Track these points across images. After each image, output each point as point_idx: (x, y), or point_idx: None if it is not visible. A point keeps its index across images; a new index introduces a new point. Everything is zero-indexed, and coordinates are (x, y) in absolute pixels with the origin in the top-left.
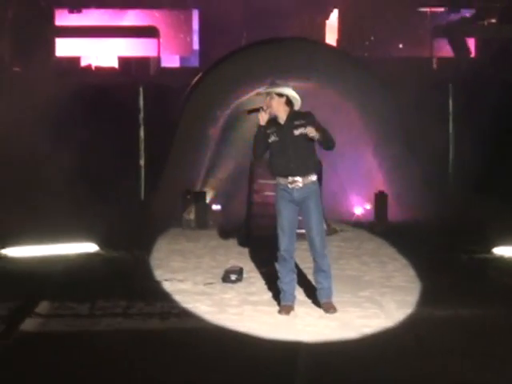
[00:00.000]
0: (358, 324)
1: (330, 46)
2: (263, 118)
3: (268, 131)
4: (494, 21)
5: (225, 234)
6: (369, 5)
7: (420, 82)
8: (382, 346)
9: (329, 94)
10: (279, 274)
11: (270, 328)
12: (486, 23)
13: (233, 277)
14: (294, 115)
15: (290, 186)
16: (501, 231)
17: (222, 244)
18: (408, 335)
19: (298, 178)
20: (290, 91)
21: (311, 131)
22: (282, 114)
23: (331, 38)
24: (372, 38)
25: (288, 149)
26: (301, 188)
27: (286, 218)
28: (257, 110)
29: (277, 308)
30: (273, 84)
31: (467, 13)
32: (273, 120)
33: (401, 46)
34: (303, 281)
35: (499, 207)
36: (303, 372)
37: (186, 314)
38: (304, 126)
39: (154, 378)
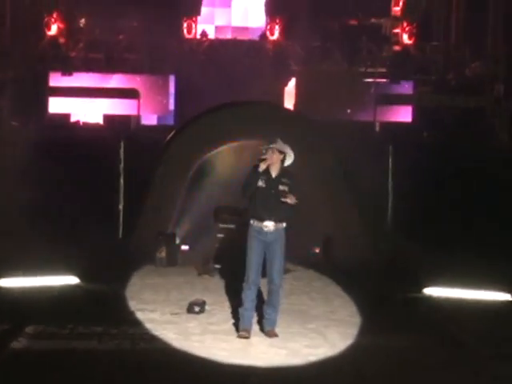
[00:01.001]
0: (304, 352)
1: (287, 110)
2: (262, 166)
3: (259, 176)
4: (428, 91)
5: (191, 271)
6: (322, 75)
7: (364, 142)
8: (326, 372)
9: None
10: (243, 302)
11: (227, 354)
12: (422, 93)
13: (196, 308)
14: (283, 172)
15: (264, 229)
16: (431, 274)
17: (189, 280)
18: (349, 363)
19: (272, 223)
20: (289, 151)
21: (292, 199)
22: (275, 168)
23: (289, 102)
24: (324, 104)
25: (271, 198)
26: (272, 232)
27: (254, 255)
28: (262, 160)
29: (234, 337)
30: (277, 142)
31: (406, 84)
32: (266, 170)
33: (349, 110)
34: (258, 313)
35: (430, 253)
36: None
37: (154, 340)
38: (288, 185)
39: None
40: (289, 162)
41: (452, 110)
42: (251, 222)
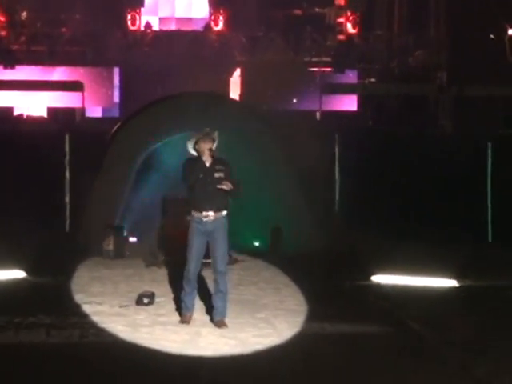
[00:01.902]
0: (253, 342)
1: (232, 100)
2: (206, 157)
3: (197, 167)
4: (373, 80)
5: (139, 263)
6: (267, 64)
7: (308, 130)
8: (274, 361)
9: (233, 141)
10: (183, 290)
11: (177, 345)
12: (366, 82)
13: (145, 300)
14: (216, 160)
15: (204, 219)
16: (378, 262)
17: (137, 272)
18: (297, 351)
19: (211, 213)
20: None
21: (228, 185)
22: (208, 157)
23: (235, 92)
24: (269, 93)
25: (208, 187)
26: (212, 221)
27: (195, 246)
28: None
29: (183, 328)
30: (209, 132)
31: (350, 73)
32: (200, 160)
33: (295, 100)
34: (207, 304)
35: (378, 241)
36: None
37: (103, 333)
38: (223, 171)
39: None
40: (214, 146)
41: (396, 98)
42: (192, 213)
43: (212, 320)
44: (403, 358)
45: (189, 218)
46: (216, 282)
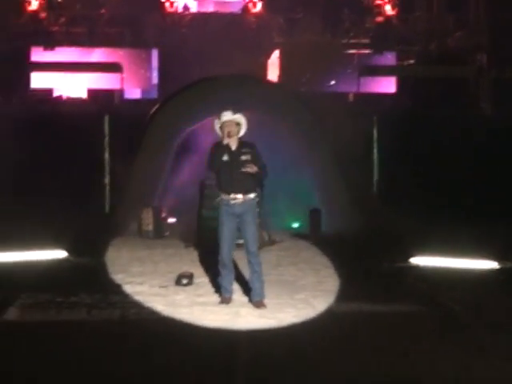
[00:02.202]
0: (293, 322)
1: (269, 82)
2: (227, 140)
3: (221, 151)
4: (412, 62)
5: (178, 243)
6: (305, 46)
7: (346, 112)
8: (312, 338)
9: (270, 124)
10: (220, 273)
11: (216, 324)
12: (405, 64)
13: (184, 281)
14: (241, 143)
15: (232, 201)
16: (417, 243)
17: (176, 252)
18: (334, 330)
19: (240, 195)
20: (243, 120)
21: (252, 168)
22: (234, 141)
23: (273, 74)
24: (307, 76)
25: (234, 170)
26: (241, 204)
27: (227, 229)
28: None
29: (222, 308)
30: (234, 114)
31: (389, 55)
32: (225, 144)
33: (332, 82)
34: (245, 285)
35: (416, 222)
36: (245, 357)
37: (143, 312)
38: (250, 154)
39: (118, 366)
40: (243, 132)
41: (435, 80)
42: (221, 196)
43: (250, 301)
44: (441, 339)
45: (218, 200)
46: (250, 263)
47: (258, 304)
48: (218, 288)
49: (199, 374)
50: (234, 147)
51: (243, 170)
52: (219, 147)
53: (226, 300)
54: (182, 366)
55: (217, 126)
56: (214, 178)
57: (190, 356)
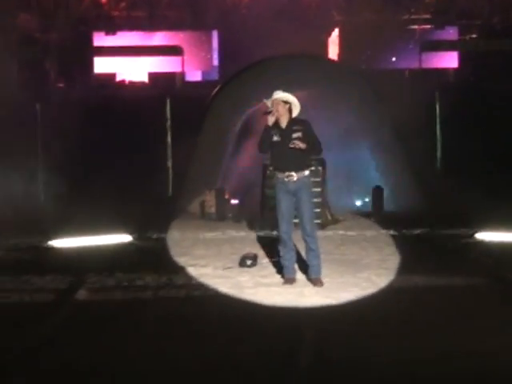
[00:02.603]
0: (357, 301)
1: (332, 60)
2: (271, 120)
3: (272, 132)
4: (474, 36)
5: (242, 225)
6: (365, 24)
7: (408, 88)
8: (376, 312)
9: (331, 102)
10: (281, 253)
11: (281, 305)
12: (467, 38)
13: (248, 262)
14: (293, 121)
15: (286, 179)
16: (481, 219)
17: (240, 234)
18: (399, 305)
19: (293, 173)
20: (293, 99)
21: (299, 144)
22: (284, 119)
23: (333, 52)
24: (368, 53)
25: (286, 148)
26: (295, 181)
27: (284, 206)
28: (269, 113)
29: (286, 289)
30: (277, 93)
31: (451, 30)
32: (276, 123)
33: (394, 59)
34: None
35: (481, 198)
36: (311, 334)
37: (207, 293)
38: (301, 131)
39: (184, 347)
40: (296, 111)
41: (498, 54)
42: (276, 174)
43: (309, 279)
44: (505, 313)
45: (276, 175)
46: (305, 241)
47: (316, 281)
48: (281, 269)
49: (265, 353)
50: (284, 125)
51: (291, 146)
52: (269, 128)
53: (289, 280)
54: (246, 345)
55: (269, 105)
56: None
57: (254, 335)
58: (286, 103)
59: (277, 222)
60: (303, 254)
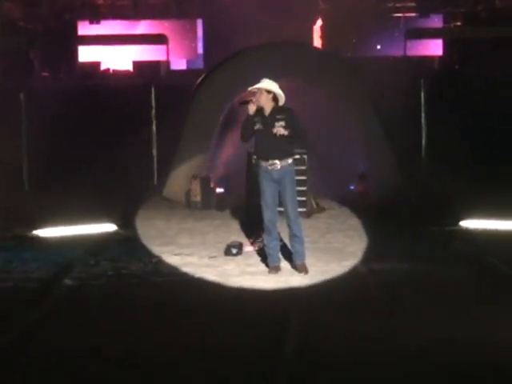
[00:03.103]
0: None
1: (316, 48)
2: (252, 109)
3: (254, 120)
4: (459, 24)
5: (227, 213)
6: (350, 11)
7: (391, 76)
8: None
9: (316, 90)
10: (265, 242)
11: (267, 292)
12: (452, 26)
13: (234, 250)
14: (277, 110)
15: (269, 167)
16: (466, 207)
17: (225, 222)
18: (386, 294)
19: (277, 161)
20: (276, 89)
21: (280, 130)
22: (268, 108)
23: (318, 41)
24: (353, 41)
25: (270, 137)
26: (278, 169)
27: (268, 194)
28: (247, 102)
29: (272, 277)
30: (263, 81)
31: (436, 17)
32: (259, 111)
33: (378, 46)
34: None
35: (465, 187)
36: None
37: (193, 283)
38: (284, 119)
39: (170, 337)
40: (282, 101)
41: (484, 41)
42: (260, 163)
43: (294, 266)
44: (490, 301)
45: (260, 164)
46: (290, 227)
47: (301, 267)
48: (266, 257)
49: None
50: (267, 114)
51: (273, 131)
52: (251, 117)
53: (274, 268)
54: (234, 332)
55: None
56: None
57: (240, 321)
58: (269, 92)
59: (261, 211)
60: (288, 242)
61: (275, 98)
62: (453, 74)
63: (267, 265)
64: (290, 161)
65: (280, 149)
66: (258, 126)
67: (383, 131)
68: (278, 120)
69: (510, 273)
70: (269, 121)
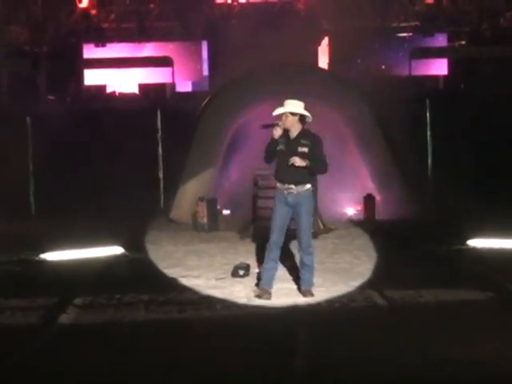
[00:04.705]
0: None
1: (322, 69)
2: (277, 132)
3: (279, 140)
4: (463, 43)
5: (233, 235)
6: (355, 32)
7: (398, 96)
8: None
9: (321, 111)
10: (264, 261)
11: (275, 314)
12: (456, 45)
13: (241, 272)
14: (303, 134)
15: (285, 191)
16: (474, 226)
17: (232, 244)
18: (394, 315)
19: (293, 186)
20: (301, 110)
21: (297, 162)
22: (295, 130)
23: (323, 62)
24: (358, 61)
25: (289, 160)
26: (294, 195)
27: (279, 216)
28: (271, 126)
29: (279, 298)
30: (287, 104)
31: (440, 36)
32: (285, 133)
33: (383, 67)
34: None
35: (472, 206)
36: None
37: (201, 306)
38: (307, 146)
39: (177, 362)
40: (309, 120)
41: (488, 60)
42: (277, 184)
43: (299, 289)
44: (500, 321)
45: (277, 185)
46: (301, 254)
47: (306, 293)
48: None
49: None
50: (292, 136)
51: (290, 161)
52: (275, 140)
53: (262, 292)
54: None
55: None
56: (267, 168)
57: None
58: (293, 114)
59: (269, 232)
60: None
61: (302, 119)
62: (458, 93)
63: (276, 288)
64: (307, 186)
65: (297, 174)
66: (280, 147)
67: (390, 151)
68: (302, 145)
69: None
70: (292, 144)
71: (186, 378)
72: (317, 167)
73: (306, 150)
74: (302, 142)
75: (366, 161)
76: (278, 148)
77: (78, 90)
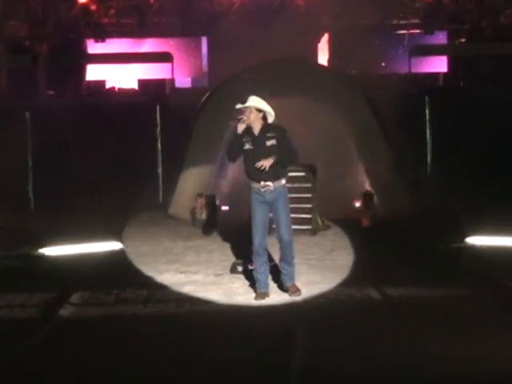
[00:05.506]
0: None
1: (322, 66)
2: (240, 127)
3: (243, 140)
4: (463, 40)
5: (232, 230)
6: (355, 29)
7: (396, 93)
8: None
9: (320, 107)
10: (254, 265)
11: (273, 310)
12: (456, 42)
13: (239, 268)
14: (267, 128)
15: (262, 189)
16: (473, 224)
17: (230, 240)
18: (393, 311)
19: (269, 183)
20: (266, 107)
21: (263, 164)
22: (257, 127)
23: (323, 58)
24: (358, 58)
25: (260, 157)
26: (272, 191)
27: (258, 218)
28: (237, 121)
29: (278, 295)
30: (251, 99)
31: (440, 34)
32: (248, 131)
33: (383, 64)
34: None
35: (471, 202)
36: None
37: (198, 302)
38: (274, 138)
39: (177, 358)
40: (271, 119)
41: (488, 58)
42: (251, 184)
43: (283, 287)
44: (498, 319)
45: (251, 185)
46: (281, 249)
47: (292, 288)
48: (273, 275)
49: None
50: (256, 133)
51: (257, 165)
52: (239, 136)
53: (261, 295)
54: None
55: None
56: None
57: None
58: (259, 111)
59: (251, 236)
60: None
61: (264, 117)
62: (457, 90)
63: (254, 290)
64: (283, 181)
65: (273, 169)
66: (247, 147)
67: (389, 148)
68: (269, 138)
69: None
70: (258, 140)
71: (185, 373)
72: (287, 158)
73: (274, 142)
74: (268, 135)
75: (364, 158)
76: (244, 148)
77: (79, 86)
